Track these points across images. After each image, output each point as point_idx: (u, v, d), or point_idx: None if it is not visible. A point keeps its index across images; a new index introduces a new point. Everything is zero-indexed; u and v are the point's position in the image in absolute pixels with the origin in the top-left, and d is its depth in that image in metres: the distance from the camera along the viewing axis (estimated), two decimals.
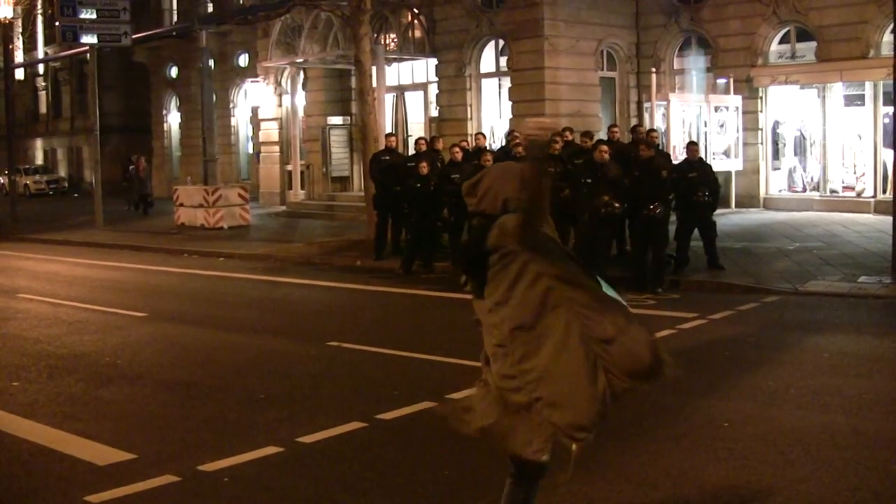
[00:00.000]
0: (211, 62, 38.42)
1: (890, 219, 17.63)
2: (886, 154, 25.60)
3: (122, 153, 54.28)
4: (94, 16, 34.42)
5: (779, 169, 30.53)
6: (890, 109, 20.07)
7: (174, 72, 49.41)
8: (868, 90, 28.02)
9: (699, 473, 7.77)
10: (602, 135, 24.26)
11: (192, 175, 41.41)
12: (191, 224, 31.52)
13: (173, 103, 50.30)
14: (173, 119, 50.54)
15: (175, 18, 48.84)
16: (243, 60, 44.13)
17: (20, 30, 58.60)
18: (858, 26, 27.38)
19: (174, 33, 45.75)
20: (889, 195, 21.02)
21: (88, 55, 36.62)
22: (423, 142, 21.74)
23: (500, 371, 5.63)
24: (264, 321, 15.57)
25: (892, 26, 19.66)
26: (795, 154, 30.32)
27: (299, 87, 37.49)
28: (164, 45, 47.85)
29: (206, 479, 7.98)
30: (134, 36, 37.19)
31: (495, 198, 5.55)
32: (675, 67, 31.86)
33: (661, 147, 22.65)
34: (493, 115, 32.37)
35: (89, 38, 34.57)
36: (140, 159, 38.25)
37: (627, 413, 9.56)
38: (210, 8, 43.06)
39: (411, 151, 25.76)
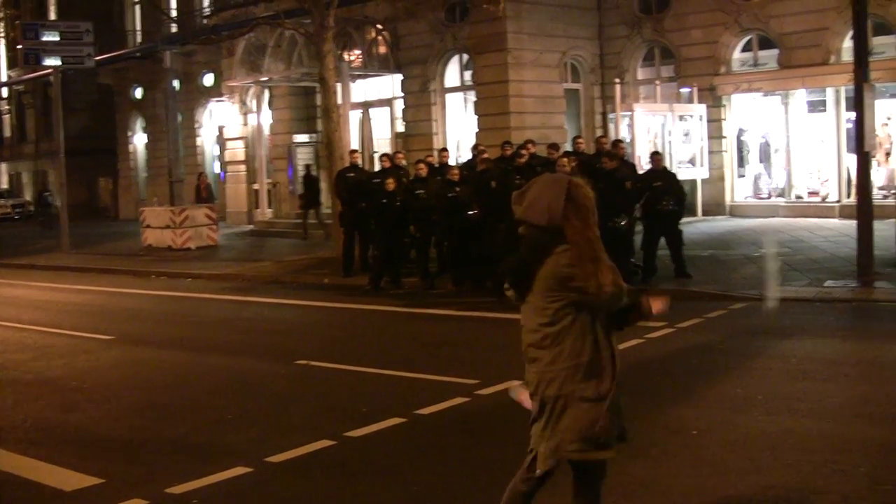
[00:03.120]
0: (176, 82, 38.30)
1: (855, 223, 17.75)
2: (850, 159, 25.74)
3: (89, 176, 54.10)
4: (57, 38, 34.34)
5: (744, 176, 30.69)
6: (852, 115, 20.21)
7: (139, 93, 49.20)
8: (830, 96, 28.22)
9: (669, 482, 7.78)
10: (568, 146, 24.31)
11: (158, 196, 41.25)
12: (158, 245, 31.38)
13: (139, 124, 50.07)
14: (139, 140, 50.31)
15: (139, 39, 48.69)
16: (208, 80, 43.99)
17: None
18: (819, 33, 27.57)
19: (138, 54, 45.61)
20: (853, 199, 21.14)
21: (52, 78, 36.46)
22: (386, 158, 21.73)
23: None
24: (232, 341, 15.52)
25: (851, 32, 19.76)
26: (760, 161, 30.50)
27: (265, 105, 37.42)
28: (129, 66, 47.72)
29: (174, 502, 7.93)
30: (98, 58, 37.10)
31: (542, 208, 5.59)
32: (638, 78, 31.98)
33: (626, 157, 22.73)
34: (458, 130, 32.38)
35: (53, 61, 34.51)
36: (203, 176, 36.51)
37: None
38: (174, 28, 42.97)
39: (377, 167, 25.72)
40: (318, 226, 31.38)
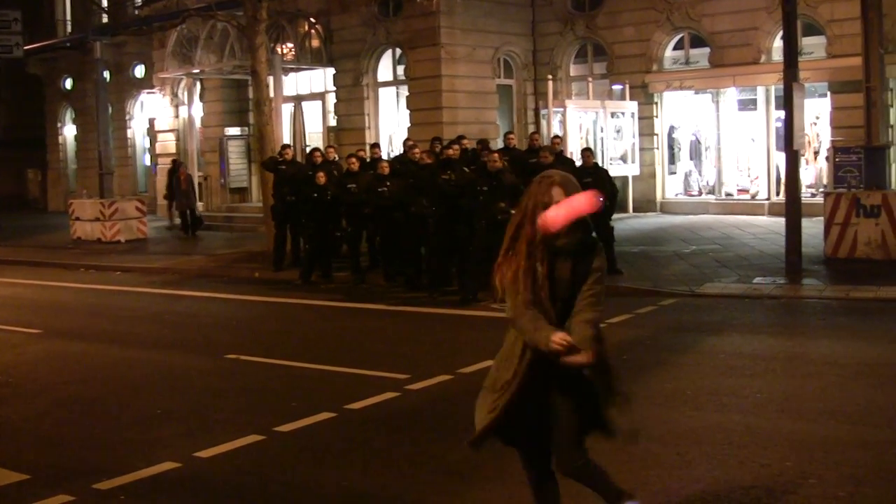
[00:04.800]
0: (106, 73, 37.87)
1: (783, 220, 17.95)
2: (779, 157, 26.01)
3: (17, 167, 53.38)
4: None
5: (675, 173, 30.92)
6: (782, 113, 20.45)
7: (69, 83, 48.58)
8: (760, 95, 28.50)
9: None
10: (500, 142, 24.37)
11: (88, 188, 40.73)
12: (87, 238, 31.05)
13: (68, 115, 49.45)
14: (69, 132, 49.71)
15: (69, 29, 48.08)
16: (139, 71, 43.56)
17: None
18: (750, 32, 27.82)
19: (68, 44, 45.06)
20: (782, 197, 21.38)
21: None
22: (317, 153, 21.62)
23: None
24: (162, 335, 15.40)
25: (781, 32, 19.98)
26: (691, 158, 30.74)
27: (196, 97, 37.14)
28: (59, 56, 47.11)
29: (101, 497, 7.86)
30: (26, 47, 36.57)
31: None
32: (571, 74, 32.10)
33: (562, 153, 22.81)
34: (391, 124, 32.34)
35: None
36: (182, 168, 33.45)
37: None
38: (105, 19, 42.48)
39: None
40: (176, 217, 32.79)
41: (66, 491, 7.96)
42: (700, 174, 30.50)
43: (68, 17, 48.76)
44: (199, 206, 34.69)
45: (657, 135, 30.33)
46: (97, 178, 34.98)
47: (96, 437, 9.66)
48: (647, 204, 30.21)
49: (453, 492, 7.69)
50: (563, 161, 19.27)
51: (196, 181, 33.80)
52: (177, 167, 32.71)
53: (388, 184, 18.58)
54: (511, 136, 21.53)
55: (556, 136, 21.37)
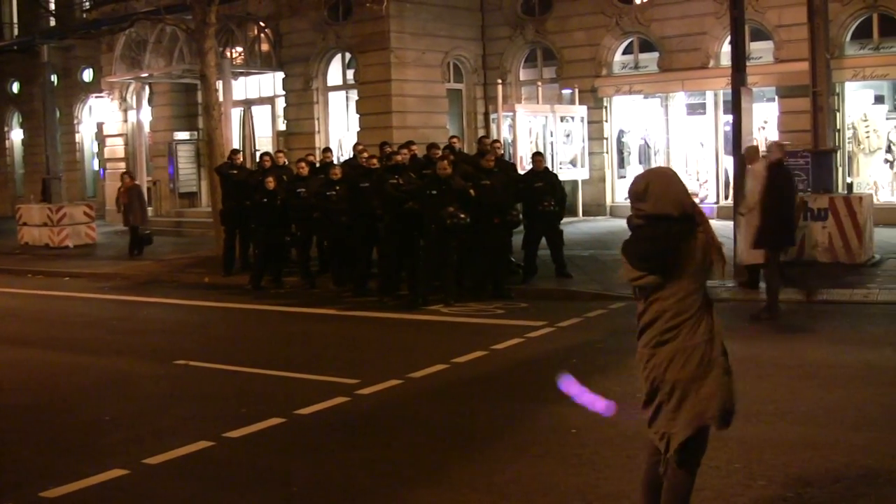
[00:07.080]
0: (54, 77, 37.58)
1: (731, 224, 18.04)
2: (727, 161, 26.18)
3: None
4: None
5: (624, 177, 30.99)
6: (730, 118, 20.65)
7: (16, 87, 48.16)
8: (709, 99, 28.70)
9: (548, 480, 7.84)
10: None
11: (35, 193, 40.37)
12: (35, 243, 30.75)
13: (16, 119, 49.05)
14: (16, 136, 49.31)
15: (16, 32, 47.62)
16: (87, 75, 43.26)
17: None
18: (698, 37, 28.00)
19: (15, 48, 44.63)
20: (730, 201, 21.51)
21: None
22: (267, 158, 21.51)
23: None
24: (110, 341, 15.28)
25: (729, 37, 20.14)
26: (640, 162, 30.84)
27: (145, 101, 36.87)
28: (5, 59, 46.62)
29: None
30: None
31: (673, 200, 5.99)
32: (521, 78, 32.18)
33: (506, 157, 22.85)
34: (340, 129, 32.30)
35: None
36: (126, 178, 29.02)
37: (476, 421, 9.62)
38: (52, 22, 42.11)
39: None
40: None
41: (11, 499, 7.90)
42: None
43: (15, 20, 48.27)
44: (149, 210, 34.38)
45: (607, 139, 30.47)
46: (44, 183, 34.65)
47: (43, 444, 9.58)
48: (596, 208, 30.33)
49: (402, 496, 7.68)
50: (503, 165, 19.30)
51: (145, 191, 32.55)
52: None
53: (337, 188, 18.56)
54: (454, 139, 21.54)
55: (496, 141, 21.48)
